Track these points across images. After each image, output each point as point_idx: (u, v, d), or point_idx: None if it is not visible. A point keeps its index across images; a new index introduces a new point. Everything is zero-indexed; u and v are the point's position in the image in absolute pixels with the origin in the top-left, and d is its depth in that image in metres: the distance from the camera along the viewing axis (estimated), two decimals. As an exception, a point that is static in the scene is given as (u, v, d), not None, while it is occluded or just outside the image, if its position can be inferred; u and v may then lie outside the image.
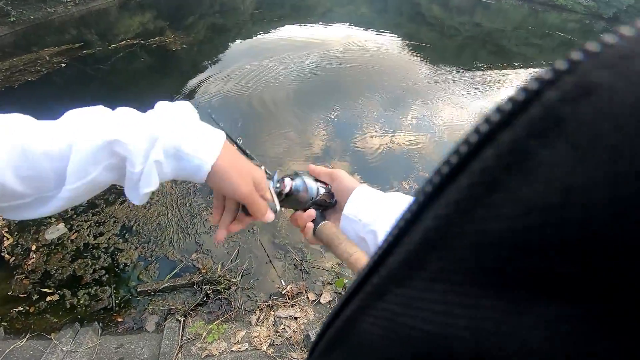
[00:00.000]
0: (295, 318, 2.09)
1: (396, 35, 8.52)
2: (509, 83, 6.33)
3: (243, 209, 0.49)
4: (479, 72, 6.57)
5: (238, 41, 7.32)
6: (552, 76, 0.09)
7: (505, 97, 0.10)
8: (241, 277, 2.44)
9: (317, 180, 0.57)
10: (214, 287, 2.33)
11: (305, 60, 6.18)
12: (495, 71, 6.77)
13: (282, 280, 2.43)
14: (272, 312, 2.13)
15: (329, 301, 2.22)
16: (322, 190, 0.56)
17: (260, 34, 7.74)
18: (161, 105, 0.42)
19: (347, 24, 9.10)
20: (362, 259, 0.46)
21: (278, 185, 0.52)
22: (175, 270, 2.47)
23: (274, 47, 6.65)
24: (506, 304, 0.09)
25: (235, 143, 0.63)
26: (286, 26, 8.34)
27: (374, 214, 0.50)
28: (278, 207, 0.50)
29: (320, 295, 2.26)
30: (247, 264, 2.53)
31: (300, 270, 2.51)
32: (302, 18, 9.44)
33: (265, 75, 5.42)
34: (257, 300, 2.29)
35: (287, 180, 0.53)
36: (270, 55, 6.19)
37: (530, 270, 0.09)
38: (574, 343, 0.08)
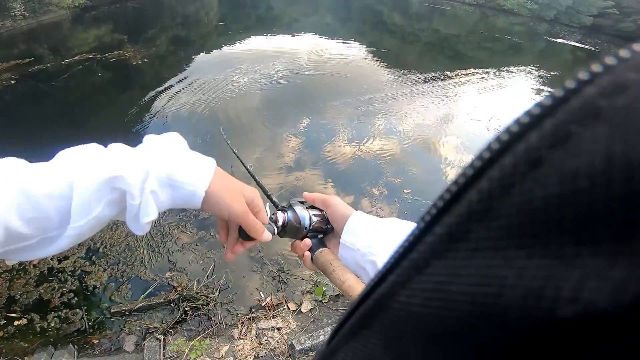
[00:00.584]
0: (278, 329, 2.10)
1: (360, 43, 8.79)
2: (466, 85, 6.71)
3: (240, 233, 0.50)
4: (439, 75, 6.92)
5: (202, 54, 7.23)
6: (588, 76, 0.10)
7: (543, 95, 0.12)
8: (219, 292, 2.41)
9: (310, 207, 0.59)
10: (192, 303, 2.29)
11: (272, 70, 6.22)
12: (452, 73, 7.16)
13: (261, 293, 2.43)
14: (254, 325, 2.13)
15: (310, 310, 2.25)
16: (316, 219, 0.58)
17: (225, 46, 7.69)
18: (151, 138, 0.43)
19: (313, 33, 9.27)
20: (355, 285, 0.48)
21: (272, 218, 0.55)
22: (150, 290, 2.41)
23: (240, 59, 6.64)
24: (553, 260, 0.10)
25: (246, 168, 0.67)
26: (252, 37, 8.36)
27: (370, 243, 0.51)
28: (276, 231, 0.54)
29: (301, 304, 2.29)
30: (224, 279, 2.51)
31: (279, 281, 2.53)
32: (268, 29, 9.49)
33: (231, 87, 5.40)
34: (237, 314, 2.27)
35: (280, 214, 0.56)
36: (237, 66, 6.18)
37: (577, 225, 0.10)
38: (622, 288, 0.09)
